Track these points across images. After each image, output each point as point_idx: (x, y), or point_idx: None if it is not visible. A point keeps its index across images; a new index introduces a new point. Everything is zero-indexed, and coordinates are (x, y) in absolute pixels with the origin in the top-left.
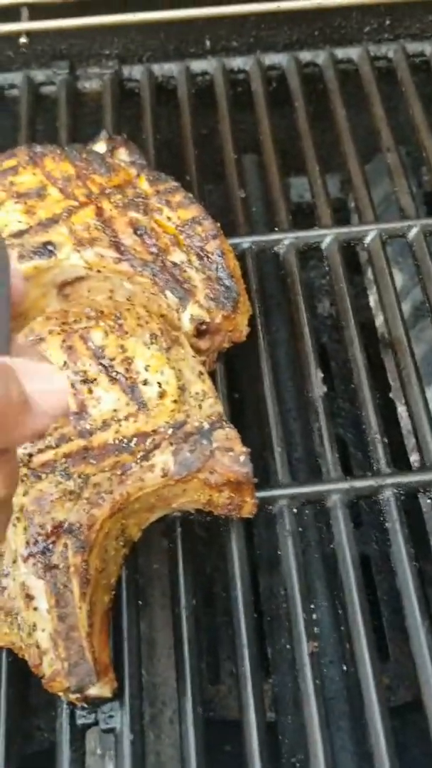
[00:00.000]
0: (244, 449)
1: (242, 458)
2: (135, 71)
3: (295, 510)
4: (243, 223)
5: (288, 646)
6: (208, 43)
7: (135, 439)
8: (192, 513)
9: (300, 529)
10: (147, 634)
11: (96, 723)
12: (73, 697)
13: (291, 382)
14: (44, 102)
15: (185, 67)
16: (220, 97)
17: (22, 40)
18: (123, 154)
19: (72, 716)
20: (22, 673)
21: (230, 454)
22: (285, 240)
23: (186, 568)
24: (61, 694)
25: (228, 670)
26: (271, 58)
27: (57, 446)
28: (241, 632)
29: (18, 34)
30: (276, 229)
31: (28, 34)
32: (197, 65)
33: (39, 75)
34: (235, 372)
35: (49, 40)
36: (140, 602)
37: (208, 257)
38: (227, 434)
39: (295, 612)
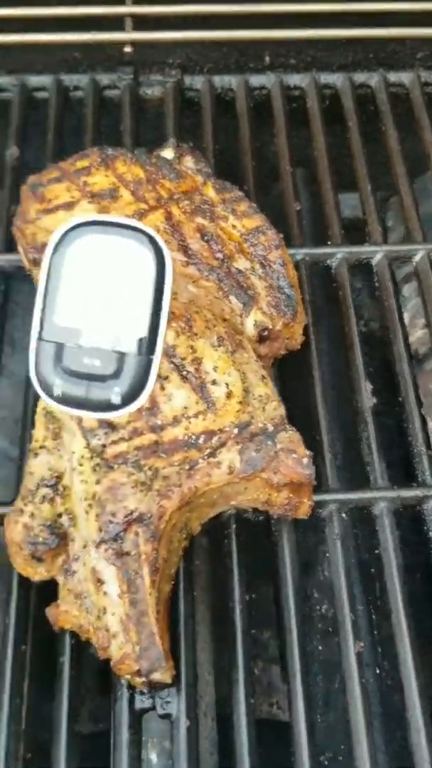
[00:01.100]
0: (307, 452)
1: (305, 461)
2: (196, 81)
3: (343, 515)
4: (297, 235)
5: (320, 647)
6: (267, 59)
7: (203, 437)
8: (247, 511)
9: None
10: None
11: (153, 708)
12: (138, 680)
13: (335, 391)
14: (107, 105)
15: (244, 80)
16: (277, 111)
17: (127, 49)
18: (189, 162)
19: (131, 700)
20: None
21: (294, 456)
22: (338, 254)
23: (240, 563)
24: (127, 677)
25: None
26: (327, 78)
27: (129, 439)
28: (292, 629)
29: (123, 43)
30: (329, 242)
31: (133, 44)
32: (256, 79)
33: (104, 79)
34: (284, 378)
35: (116, 47)
36: (195, 594)
37: (270, 266)
38: (290, 437)
39: (342, 613)
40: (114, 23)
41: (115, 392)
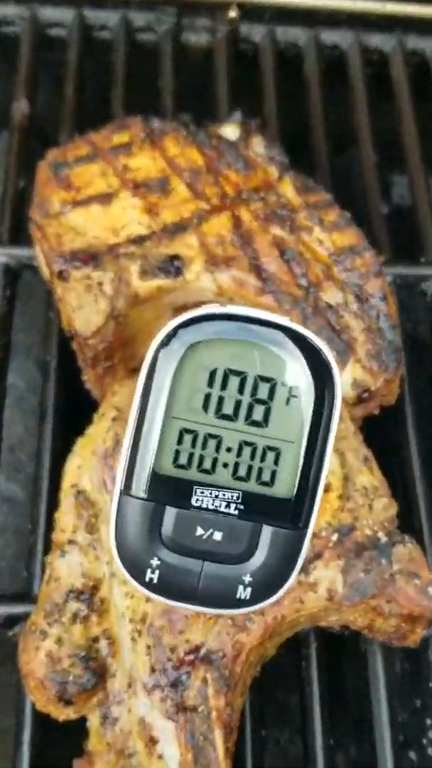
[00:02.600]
0: None
1: (431, 590)
2: (255, 32)
3: None
4: (387, 249)
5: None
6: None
7: None
8: (334, 628)
9: None
10: None
11: None
12: None
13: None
14: (141, 52)
15: (315, 35)
16: (355, 79)
17: (231, 14)
18: (259, 145)
19: None
20: None
21: (416, 582)
22: None
23: (323, 695)
24: None
25: None
26: (415, 42)
27: None
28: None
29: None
30: (422, 260)
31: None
32: (328, 36)
33: (138, 18)
34: (368, 441)
35: None
36: (263, 733)
37: (368, 300)
38: (410, 553)
39: None
40: None
41: (244, 582)
